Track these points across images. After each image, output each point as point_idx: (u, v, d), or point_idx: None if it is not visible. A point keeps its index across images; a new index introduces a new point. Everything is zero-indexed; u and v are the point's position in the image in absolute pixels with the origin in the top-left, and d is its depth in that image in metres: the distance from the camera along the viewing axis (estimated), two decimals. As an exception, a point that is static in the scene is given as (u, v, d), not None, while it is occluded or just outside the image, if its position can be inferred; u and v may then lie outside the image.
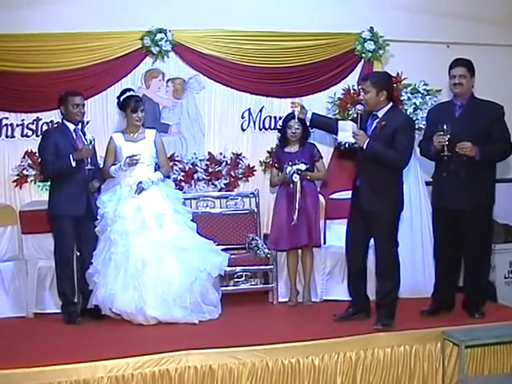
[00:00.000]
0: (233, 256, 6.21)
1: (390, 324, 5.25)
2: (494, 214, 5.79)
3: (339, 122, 5.56)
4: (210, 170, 6.94)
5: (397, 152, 5.14)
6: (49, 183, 6.06)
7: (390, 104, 5.29)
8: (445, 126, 5.30)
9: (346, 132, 5.31)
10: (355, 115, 5.38)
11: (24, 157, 6.57)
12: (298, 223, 6.08)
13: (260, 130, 7.10)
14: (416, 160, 6.39)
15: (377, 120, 5.25)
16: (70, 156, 5.62)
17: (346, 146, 6.13)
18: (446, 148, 5.33)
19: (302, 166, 6.08)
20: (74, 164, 5.63)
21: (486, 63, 7.44)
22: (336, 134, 5.51)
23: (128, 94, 6.05)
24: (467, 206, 5.42)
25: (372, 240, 5.45)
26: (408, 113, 6.18)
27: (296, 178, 6.06)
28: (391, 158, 5.15)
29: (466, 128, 5.38)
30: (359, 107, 5.26)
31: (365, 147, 5.16)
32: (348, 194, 5.66)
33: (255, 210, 6.89)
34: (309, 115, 5.50)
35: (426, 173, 6.36)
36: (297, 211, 6.05)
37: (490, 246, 5.83)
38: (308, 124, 5.73)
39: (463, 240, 5.54)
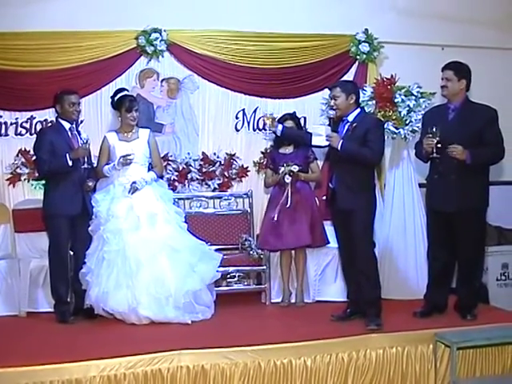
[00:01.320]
0: (226, 256, 6.20)
1: (382, 323, 5.28)
2: (487, 216, 5.79)
3: (312, 127, 5.79)
4: (204, 170, 6.95)
5: (370, 150, 5.27)
6: (42, 182, 6.06)
7: (359, 109, 5.46)
8: (434, 129, 5.35)
9: (320, 136, 5.44)
10: (328, 120, 5.59)
11: (18, 155, 6.56)
12: (289, 225, 6.12)
13: (254, 130, 7.12)
14: (410, 162, 6.41)
15: (348, 123, 5.39)
16: (67, 155, 5.61)
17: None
18: (434, 150, 5.37)
19: (295, 168, 6.10)
20: (70, 163, 5.62)
21: (480, 66, 7.41)
22: (309, 145, 5.68)
23: (122, 93, 6.04)
24: (459, 209, 5.43)
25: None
26: (402, 115, 6.19)
27: (288, 179, 6.09)
28: (366, 155, 5.27)
29: (457, 131, 5.40)
30: (331, 112, 5.48)
31: (339, 148, 5.29)
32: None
33: (248, 211, 6.90)
34: (279, 128, 5.62)
35: (420, 175, 6.36)
36: (278, 211, 6.10)
37: (483, 249, 5.84)
38: (279, 136, 5.80)
39: (456, 242, 5.56)
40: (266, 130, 5.88)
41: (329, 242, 6.27)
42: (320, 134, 5.44)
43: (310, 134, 5.59)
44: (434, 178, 5.63)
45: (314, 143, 5.57)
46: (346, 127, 5.38)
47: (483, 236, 5.75)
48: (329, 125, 5.52)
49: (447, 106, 5.62)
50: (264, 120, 5.76)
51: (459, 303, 5.68)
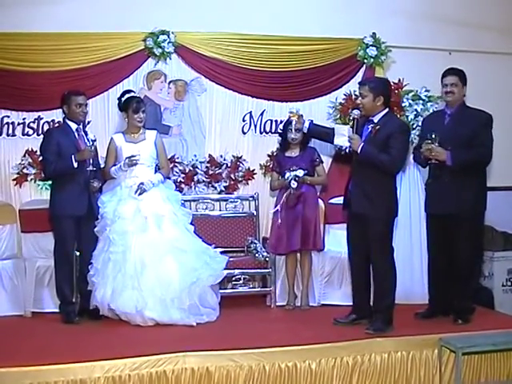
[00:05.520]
0: (231, 259, 6.19)
1: (383, 329, 5.24)
2: (493, 221, 5.78)
3: (336, 126, 5.68)
4: (210, 172, 6.94)
5: (390, 156, 5.16)
6: (49, 182, 6.07)
7: (386, 110, 5.33)
8: (433, 135, 5.39)
9: (342, 136, 5.39)
10: (352, 120, 5.43)
11: (24, 155, 6.55)
12: (296, 228, 6.12)
13: (261, 133, 7.10)
14: (415, 166, 6.40)
15: (372, 125, 5.28)
16: (72, 157, 5.62)
17: (347, 150, 6.11)
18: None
19: (300, 173, 6.10)
20: (75, 165, 5.63)
21: (487, 71, 7.48)
22: (332, 142, 5.57)
23: (129, 95, 6.05)
24: (453, 212, 5.47)
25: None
26: (409, 119, 6.21)
27: (294, 184, 6.08)
28: (384, 162, 5.17)
29: (451, 135, 5.45)
30: (356, 112, 5.35)
31: (359, 151, 5.21)
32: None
33: (254, 214, 6.89)
34: (306, 125, 5.56)
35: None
36: (281, 215, 6.16)
37: (481, 253, 5.83)
38: (305, 133, 5.76)
39: (452, 245, 5.57)
40: (291, 126, 5.85)
41: (323, 249, 6.28)
42: (343, 134, 5.37)
43: (333, 130, 5.53)
44: (430, 182, 5.72)
45: (336, 143, 5.50)
46: (370, 128, 5.28)
47: (479, 240, 5.78)
48: (352, 126, 5.34)
49: (444, 111, 5.70)
50: (290, 117, 5.70)
51: (452, 307, 5.66)
